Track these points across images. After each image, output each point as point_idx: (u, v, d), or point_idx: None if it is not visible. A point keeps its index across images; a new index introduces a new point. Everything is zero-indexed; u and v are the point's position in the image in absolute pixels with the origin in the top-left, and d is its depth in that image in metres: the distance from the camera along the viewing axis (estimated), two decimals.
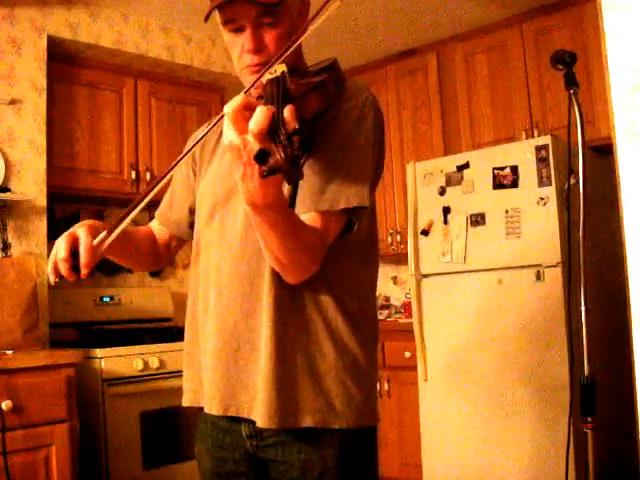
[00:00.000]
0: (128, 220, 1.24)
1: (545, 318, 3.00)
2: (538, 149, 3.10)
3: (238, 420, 1.29)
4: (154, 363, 3.04)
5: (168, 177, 1.26)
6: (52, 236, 3.03)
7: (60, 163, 3.34)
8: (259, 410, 1.22)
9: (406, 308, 4.06)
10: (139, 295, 3.72)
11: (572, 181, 2.24)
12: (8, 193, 3.02)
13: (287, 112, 0.97)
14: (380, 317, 3.91)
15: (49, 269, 1.24)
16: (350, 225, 1.24)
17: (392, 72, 4.25)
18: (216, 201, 1.35)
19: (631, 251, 0.85)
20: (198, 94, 3.95)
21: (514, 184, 3.16)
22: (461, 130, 3.93)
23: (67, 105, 3.40)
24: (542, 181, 3.07)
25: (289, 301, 1.23)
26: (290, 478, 1.25)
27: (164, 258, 1.57)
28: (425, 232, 3.44)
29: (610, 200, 2.27)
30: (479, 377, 3.18)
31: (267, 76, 1.11)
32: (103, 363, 2.89)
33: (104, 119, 3.53)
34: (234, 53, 1.29)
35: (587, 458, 1.88)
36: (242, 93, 1.14)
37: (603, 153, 3.16)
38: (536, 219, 3.07)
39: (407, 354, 3.61)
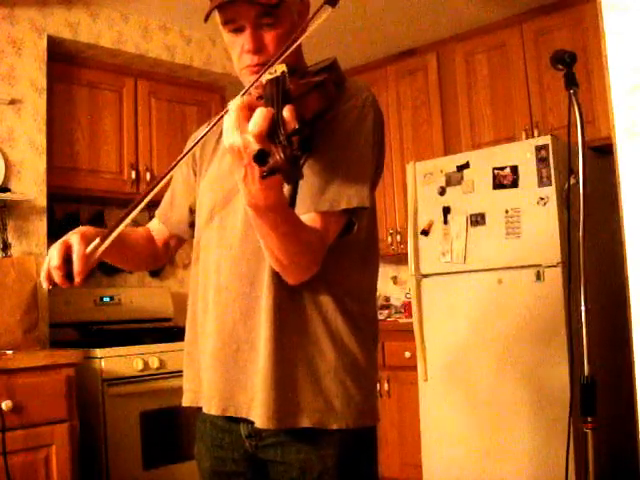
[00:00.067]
0: (121, 227, 1.23)
1: (545, 318, 2.99)
2: (538, 149, 3.10)
3: (237, 420, 1.29)
4: (154, 363, 3.04)
5: (164, 182, 1.25)
6: (52, 236, 3.04)
7: (60, 163, 3.34)
8: (258, 410, 1.22)
9: (406, 308, 4.06)
10: (139, 295, 3.72)
11: (572, 181, 2.24)
12: (8, 193, 3.02)
13: (286, 112, 0.97)
14: (380, 317, 3.90)
15: (42, 276, 1.24)
16: (350, 225, 1.24)
17: (392, 72, 4.25)
18: (216, 201, 1.35)
19: (631, 251, 0.85)
20: (198, 94, 3.95)
21: (514, 184, 3.16)
22: (461, 130, 3.93)
23: (67, 105, 3.40)
24: (542, 181, 3.07)
25: (289, 301, 1.23)
26: (289, 478, 1.25)
27: (163, 257, 1.57)
28: (425, 232, 3.44)
29: (610, 200, 2.27)
30: (479, 377, 3.18)
31: (267, 76, 1.11)
32: (103, 363, 2.89)
33: (104, 119, 3.53)
34: (234, 53, 1.29)
35: (587, 458, 1.87)
36: (241, 94, 1.14)
37: (603, 153, 3.16)
38: (536, 219, 3.07)
39: (407, 354, 3.61)
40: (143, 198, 1.23)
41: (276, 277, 1.21)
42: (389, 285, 4.52)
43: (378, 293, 1.52)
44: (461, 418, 3.22)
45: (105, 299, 3.57)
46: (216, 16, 1.26)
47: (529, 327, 3.04)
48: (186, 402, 1.39)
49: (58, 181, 3.29)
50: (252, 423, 1.25)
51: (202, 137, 1.25)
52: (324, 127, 1.20)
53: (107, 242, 1.23)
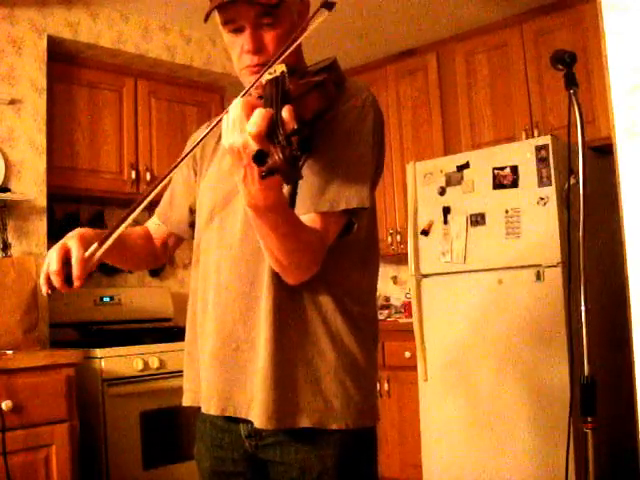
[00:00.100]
0: (120, 230, 1.23)
1: (545, 318, 2.99)
2: (538, 149, 3.10)
3: (237, 420, 1.29)
4: (154, 363, 3.03)
5: (162, 185, 1.25)
6: (52, 236, 3.04)
7: (60, 163, 3.34)
8: (257, 410, 1.22)
9: (406, 308, 4.06)
10: (139, 295, 3.72)
11: (572, 181, 2.24)
12: (8, 193, 3.02)
13: (286, 112, 0.97)
14: (380, 317, 3.90)
15: (41, 280, 1.24)
16: (350, 225, 1.24)
17: (392, 72, 4.25)
18: (216, 202, 1.35)
19: (631, 251, 0.85)
20: (198, 94, 3.95)
21: (514, 184, 3.16)
22: (461, 130, 3.93)
23: (67, 105, 3.40)
24: (542, 181, 3.07)
25: (288, 302, 1.23)
26: (289, 478, 1.25)
27: (161, 256, 1.57)
28: (425, 232, 3.44)
29: (610, 200, 2.27)
30: (479, 377, 3.18)
31: (266, 76, 1.12)
32: (103, 363, 2.89)
33: (104, 119, 3.53)
34: (234, 53, 1.29)
35: (587, 458, 1.87)
36: (241, 94, 1.14)
37: (603, 153, 3.16)
38: (536, 219, 3.07)
39: (407, 354, 3.61)
40: (143, 200, 1.23)
41: (276, 277, 1.21)
42: (389, 285, 4.52)
43: (378, 293, 1.51)
44: (461, 418, 3.22)
45: (105, 299, 3.57)
46: (216, 16, 1.26)
47: (529, 327, 3.04)
48: (186, 402, 1.39)
49: (58, 181, 3.29)
50: (252, 423, 1.25)
51: (202, 138, 1.25)
52: (324, 127, 1.20)
53: (106, 245, 1.23)
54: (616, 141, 0.86)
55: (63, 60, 3.40)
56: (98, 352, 2.90)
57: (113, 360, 2.93)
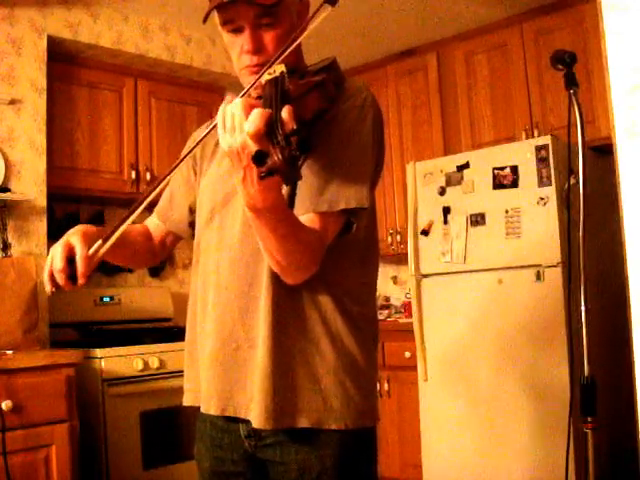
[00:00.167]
0: (123, 228, 1.24)
1: (545, 318, 2.99)
2: (538, 149, 3.10)
3: (236, 420, 1.29)
4: (154, 363, 3.03)
5: (165, 183, 1.26)
6: (52, 236, 3.03)
7: (60, 163, 3.34)
8: (255, 411, 1.22)
9: (406, 308, 4.06)
10: (139, 295, 3.72)
11: (572, 181, 2.24)
12: (8, 193, 3.02)
13: (285, 113, 0.97)
14: (380, 317, 3.90)
15: (45, 278, 1.24)
16: (349, 225, 1.24)
17: (392, 72, 4.25)
18: (216, 202, 1.35)
19: (631, 251, 0.85)
20: (198, 94, 3.95)
21: (514, 184, 3.16)
22: (461, 130, 3.93)
23: (67, 105, 3.40)
24: (542, 181, 3.07)
25: (287, 301, 1.23)
26: (288, 478, 1.24)
27: (160, 255, 1.57)
28: (425, 232, 3.44)
29: (610, 200, 2.27)
30: (479, 377, 3.18)
31: (266, 76, 1.11)
32: (103, 363, 2.89)
33: (104, 119, 3.53)
34: (233, 53, 1.29)
35: (587, 458, 1.87)
36: (240, 94, 1.14)
37: (603, 153, 3.16)
38: (536, 219, 3.07)
39: (407, 354, 3.61)
40: (145, 198, 1.23)
41: (275, 277, 1.21)
42: (389, 285, 4.52)
43: (378, 293, 1.51)
44: (461, 418, 3.22)
45: (105, 299, 3.57)
46: (215, 16, 1.26)
47: (529, 327, 3.04)
48: (187, 402, 1.39)
49: (58, 181, 3.29)
50: (252, 423, 1.25)
51: (203, 137, 1.25)
52: (323, 127, 1.20)
53: (109, 243, 1.23)
54: (616, 141, 0.86)
55: (63, 60, 3.41)
56: (98, 352, 2.90)
57: (113, 360, 2.93)
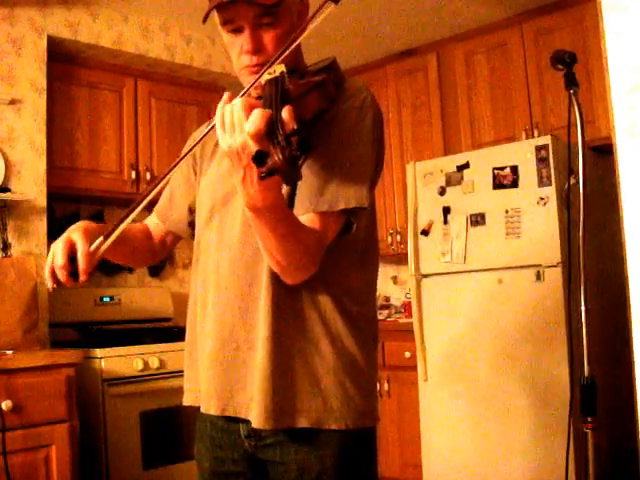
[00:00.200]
0: (124, 224, 1.23)
1: (545, 318, 2.99)
2: (538, 149, 3.10)
3: (236, 420, 1.29)
4: (154, 363, 3.03)
5: (165, 181, 1.26)
6: (52, 236, 3.03)
7: (60, 163, 3.34)
8: (255, 411, 1.22)
9: (406, 308, 4.06)
10: (139, 295, 3.72)
11: (572, 181, 2.24)
12: (8, 193, 3.02)
13: (285, 113, 0.97)
14: (380, 317, 3.90)
15: (46, 275, 1.24)
16: (349, 225, 1.24)
17: (392, 72, 4.25)
18: (215, 202, 1.35)
19: (631, 251, 0.85)
20: (198, 94, 3.95)
21: (514, 184, 3.16)
22: (461, 130, 3.93)
23: (67, 105, 3.40)
24: (542, 181, 3.07)
25: (287, 301, 1.23)
26: (288, 478, 1.24)
27: (159, 254, 1.57)
28: (425, 232, 3.44)
29: (610, 200, 2.27)
30: (479, 377, 3.18)
31: (266, 76, 1.11)
32: (103, 363, 2.89)
33: (104, 119, 3.53)
34: (233, 53, 1.29)
35: (587, 458, 1.87)
36: (240, 94, 1.14)
37: (603, 153, 3.16)
38: (536, 219, 3.07)
39: (407, 354, 3.61)
40: (147, 195, 1.23)
41: (275, 277, 1.21)
42: (389, 285, 4.52)
43: (378, 293, 1.51)
44: (461, 418, 3.22)
45: (105, 299, 3.57)
46: (215, 16, 1.26)
47: (529, 327, 3.04)
48: (187, 402, 1.39)
49: (58, 181, 3.29)
50: (251, 423, 1.25)
51: (204, 136, 1.25)
52: (323, 127, 1.20)
53: (111, 239, 1.23)
54: (616, 141, 0.86)
55: (63, 60, 3.41)
56: (98, 352, 2.90)
57: (113, 360, 2.93)
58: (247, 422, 1.26)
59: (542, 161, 3.08)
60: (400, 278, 4.48)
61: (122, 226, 1.23)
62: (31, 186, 3.13)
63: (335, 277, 1.26)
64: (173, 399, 2.75)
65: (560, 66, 1.97)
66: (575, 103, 1.89)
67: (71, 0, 3.34)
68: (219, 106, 1.06)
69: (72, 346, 2.96)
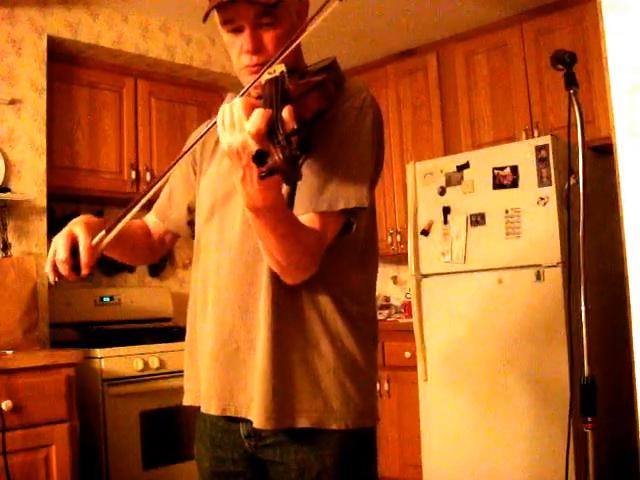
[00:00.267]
0: (127, 219, 1.24)
1: (545, 318, 2.99)
2: (538, 149, 3.10)
3: (236, 420, 1.29)
4: (154, 363, 3.03)
5: (168, 176, 1.26)
6: (52, 236, 3.02)
7: (60, 163, 3.34)
8: (256, 411, 1.22)
9: (406, 308, 4.06)
10: (139, 295, 3.72)
11: (572, 181, 2.24)
12: (8, 193, 3.02)
13: (286, 112, 0.97)
14: (380, 317, 3.90)
15: (48, 268, 1.24)
16: (349, 225, 1.24)
17: (392, 72, 4.25)
18: (215, 201, 1.35)
19: (631, 251, 0.85)
20: (198, 94, 3.95)
21: (514, 184, 3.16)
22: (461, 130, 3.93)
23: (67, 105, 3.40)
24: (542, 181, 3.07)
25: (287, 301, 1.23)
26: (288, 478, 1.24)
27: (158, 252, 1.57)
28: (425, 232, 3.44)
29: (610, 200, 2.27)
30: (479, 377, 3.18)
31: (266, 76, 1.11)
32: (103, 363, 2.89)
33: (104, 119, 3.53)
34: (233, 53, 1.29)
35: (587, 458, 1.87)
36: (240, 94, 1.14)
37: (603, 153, 3.16)
38: (536, 219, 3.07)
39: (407, 354, 3.61)
40: (149, 190, 1.23)
41: (274, 277, 1.21)
42: (389, 285, 4.52)
43: (378, 293, 1.52)
44: (461, 418, 3.22)
45: (105, 299, 3.57)
46: (215, 16, 1.26)
47: (529, 327, 3.04)
48: (187, 401, 1.39)
49: (58, 181, 3.29)
50: (251, 423, 1.24)
51: (204, 134, 1.25)
52: (323, 127, 1.20)
53: (113, 233, 1.23)
54: (616, 141, 0.86)
55: (63, 60, 3.41)
56: (98, 352, 2.90)
57: (113, 360, 2.93)
58: (247, 422, 1.26)
59: (542, 161, 3.08)
60: (400, 278, 4.48)
61: (125, 220, 1.23)
62: (31, 186, 3.13)
63: (335, 277, 1.26)
64: (173, 399, 2.75)
65: (560, 66, 1.97)
66: (575, 103, 1.89)
67: (71, 0, 3.34)
68: (222, 106, 1.06)
69: (72, 346, 2.96)
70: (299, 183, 1.12)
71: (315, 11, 1.14)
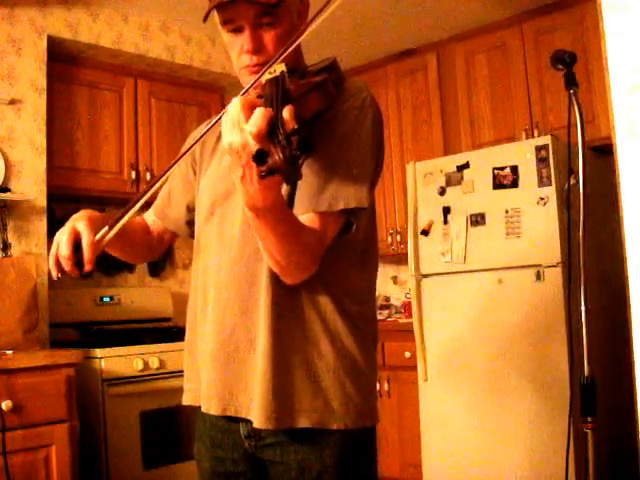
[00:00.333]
0: (130, 214, 1.24)
1: (545, 318, 2.99)
2: (538, 149, 3.10)
3: (236, 420, 1.29)
4: (154, 363, 3.04)
5: (172, 170, 1.26)
6: (52, 236, 3.02)
7: (60, 163, 3.34)
8: (256, 410, 1.22)
9: (406, 308, 4.06)
10: (139, 295, 3.72)
11: (572, 181, 2.24)
12: (8, 193, 3.02)
13: (286, 112, 0.97)
14: (380, 317, 3.90)
15: (51, 264, 1.24)
16: (349, 225, 1.24)
17: (392, 72, 4.25)
18: (215, 201, 1.34)
19: (631, 251, 0.85)
20: (198, 94, 3.95)
21: (514, 184, 3.16)
22: (461, 130, 3.93)
23: (67, 105, 3.40)
24: (542, 181, 3.07)
25: (287, 301, 1.23)
26: (288, 478, 1.24)
27: (156, 250, 1.57)
28: (425, 232, 3.44)
29: (610, 200, 2.27)
30: (479, 377, 3.18)
31: (266, 76, 1.11)
32: (103, 363, 2.89)
33: (104, 119, 3.53)
34: (233, 53, 1.29)
35: (587, 458, 1.87)
36: (240, 93, 1.14)
37: (603, 153, 3.16)
38: (536, 219, 3.07)
39: (407, 354, 3.61)
40: (152, 185, 1.23)
41: (274, 277, 1.21)
42: (389, 285, 4.52)
43: (378, 293, 1.52)
44: (461, 418, 3.22)
45: (105, 299, 3.57)
46: (215, 16, 1.26)
47: (529, 327, 3.04)
48: (186, 401, 1.39)
49: (58, 181, 3.29)
50: (251, 423, 1.24)
51: (204, 133, 1.25)
52: (323, 127, 1.20)
53: (116, 229, 1.23)
54: (616, 141, 0.86)
55: (63, 60, 3.41)
56: (98, 352, 2.90)
57: (113, 360, 2.93)
58: (247, 422, 1.26)
59: (542, 161, 3.08)
60: (400, 278, 4.48)
61: (128, 215, 1.24)
62: (31, 186, 3.13)
63: (335, 277, 1.26)
64: (173, 399, 2.74)
65: (560, 66, 1.97)
66: (575, 103, 1.89)
67: (71, 0, 3.34)
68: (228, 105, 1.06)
69: (72, 346, 2.96)
70: (299, 183, 1.12)
71: (315, 11, 1.14)
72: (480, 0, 3.58)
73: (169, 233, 1.54)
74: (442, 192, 3.40)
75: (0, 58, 3.10)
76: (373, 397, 1.30)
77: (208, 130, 1.24)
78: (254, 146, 0.96)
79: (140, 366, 2.99)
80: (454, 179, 3.37)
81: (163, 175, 1.24)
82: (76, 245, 1.21)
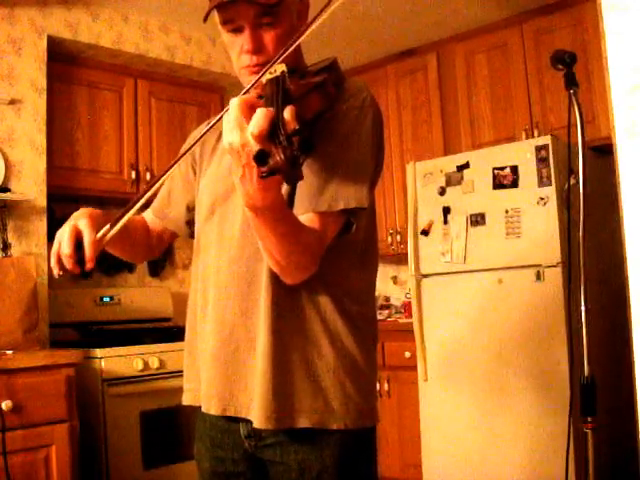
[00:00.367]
0: (131, 213, 1.24)
1: (545, 318, 2.99)
2: (538, 149, 3.10)
3: (236, 420, 1.29)
4: (154, 363, 3.04)
5: (174, 169, 1.26)
6: (52, 236, 3.02)
7: (60, 163, 3.34)
8: (256, 410, 1.22)
9: (406, 308, 4.06)
10: (139, 295, 3.72)
11: (572, 181, 2.24)
12: (8, 193, 3.02)
13: (287, 113, 0.97)
14: (380, 317, 3.90)
15: (52, 262, 1.24)
16: (349, 225, 1.24)
17: (392, 72, 4.25)
18: (215, 201, 1.34)
19: (631, 251, 0.85)
20: (198, 94, 3.95)
21: (514, 184, 3.16)
22: (461, 130, 3.93)
23: (67, 105, 3.40)
24: (542, 181, 3.07)
25: (287, 301, 1.23)
26: (289, 478, 1.24)
27: (156, 249, 1.57)
28: (425, 232, 3.44)
29: (610, 200, 2.27)
30: (479, 377, 3.18)
31: (267, 76, 1.11)
32: (103, 363, 2.89)
33: (104, 119, 3.53)
34: (233, 53, 1.29)
35: (587, 458, 1.87)
36: (241, 93, 1.14)
37: (603, 153, 3.16)
38: (536, 219, 3.07)
39: (407, 354, 3.61)
40: (154, 183, 1.24)
41: (274, 277, 1.21)
42: (389, 285, 4.52)
43: (378, 293, 1.52)
44: (461, 418, 3.22)
45: (105, 299, 3.57)
46: (215, 16, 1.26)
47: (529, 327, 3.04)
48: (186, 401, 1.39)
49: (58, 181, 3.29)
50: (251, 423, 1.24)
51: (204, 133, 1.25)
52: (323, 127, 1.20)
53: (117, 227, 1.24)
54: (616, 141, 0.86)
55: (63, 60, 3.41)
56: (98, 352, 2.90)
57: (113, 360, 2.93)
58: (247, 422, 1.26)
59: (542, 161, 3.08)
60: (400, 278, 4.48)
61: (129, 214, 1.24)
62: (31, 186, 3.13)
63: (335, 277, 1.26)
64: (173, 399, 2.74)
65: (560, 66, 1.97)
66: (575, 103, 1.89)
67: (71, 0, 3.34)
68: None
69: (72, 346, 2.96)
70: (299, 183, 1.12)
71: (315, 11, 1.14)
72: (480, 0, 3.58)
73: (168, 233, 1.54)
74: (442, 192, 3.40)
75: (0, 58, 3.10)
76: (373, 397, 1.30)
77: (208, 130, 1.24)
78: (255, 146, 0.96)
79: (140, 366, 2.99)
80: (454, 179, 3.37)
81: (164, 174, 1.24)
82: (77, 243, 1.22)
